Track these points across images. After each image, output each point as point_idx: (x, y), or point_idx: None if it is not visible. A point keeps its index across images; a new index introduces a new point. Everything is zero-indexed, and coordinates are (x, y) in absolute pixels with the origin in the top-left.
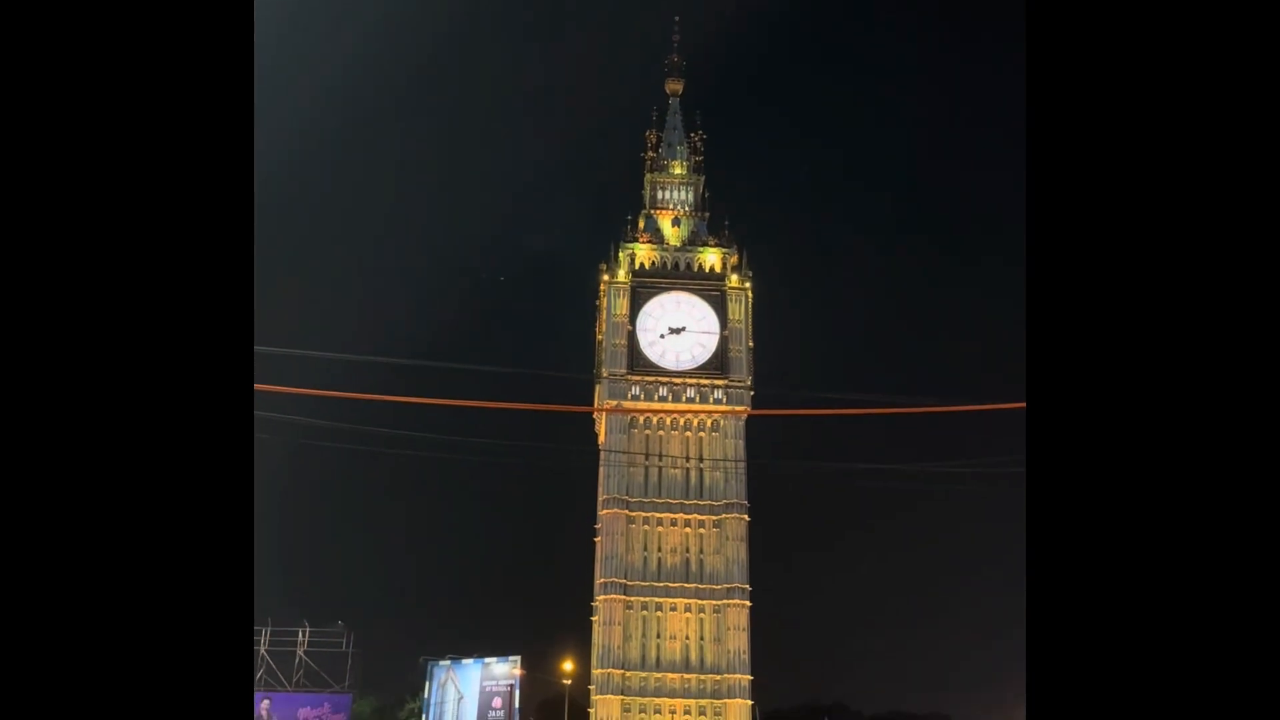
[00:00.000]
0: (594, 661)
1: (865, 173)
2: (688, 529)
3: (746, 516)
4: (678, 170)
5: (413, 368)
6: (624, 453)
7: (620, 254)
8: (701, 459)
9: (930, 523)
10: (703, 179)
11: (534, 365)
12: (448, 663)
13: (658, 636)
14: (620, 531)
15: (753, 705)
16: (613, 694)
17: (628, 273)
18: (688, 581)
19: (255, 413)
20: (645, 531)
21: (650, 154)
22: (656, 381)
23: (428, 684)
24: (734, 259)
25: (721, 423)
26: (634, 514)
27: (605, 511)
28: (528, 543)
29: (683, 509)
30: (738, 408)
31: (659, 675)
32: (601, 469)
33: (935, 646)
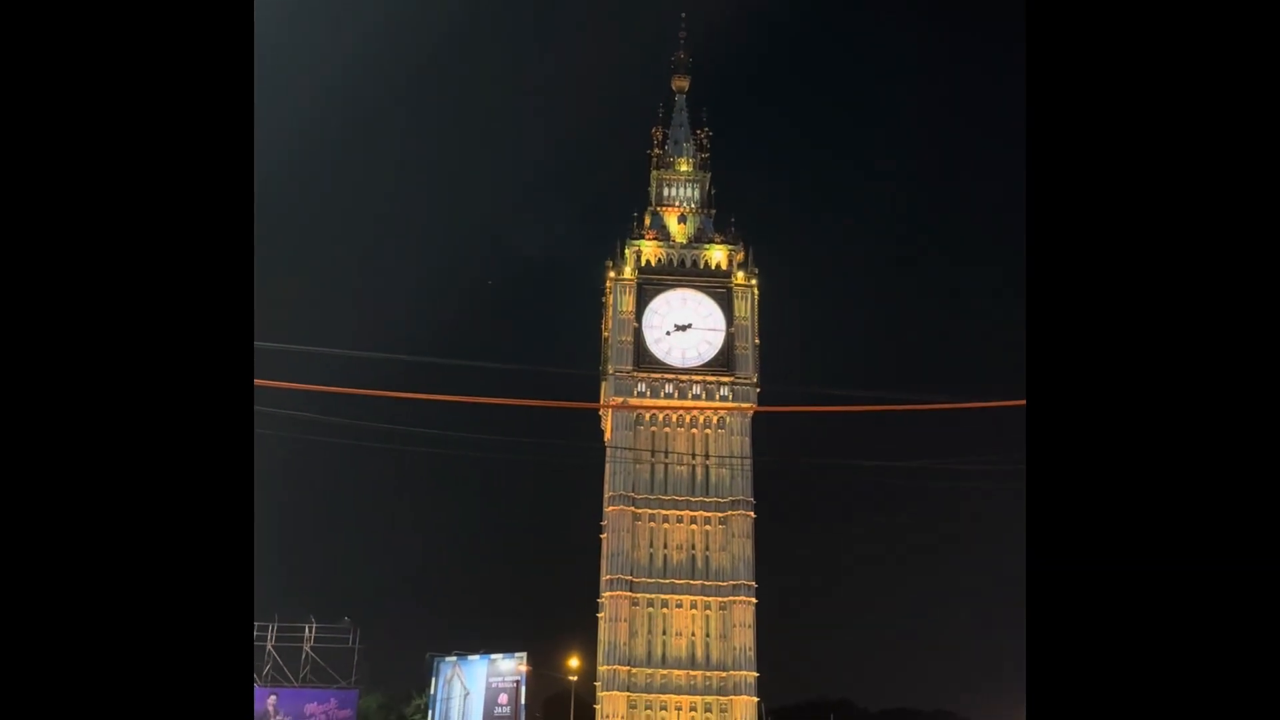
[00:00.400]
0: (600, 658)
1: (871, 169)
2: (694, 526)
3: (752, 513)
4: (684, 167)
5: (420, 365)
6: (630, 449)
7: (626, 251)
8: (707, 456)
9: (936, 519)
10: (709, 176)
11: (540, 362)
12: (454, 659)
13: (664, 633)
14: (626, 528)
15: (759, 702)
16: (619, 690)
17: (634, 269)
18: (694, 578)
19: (266, 409)
20: (651, 528)
21: (656, 151)
22: (662, 378)
23: (434, 680)
24: (740, 256)
25: (727, 420)
26: (640, 511)
27: (611, 508)
28: (534, 539)
29: (689, 506)
30: (744, 405)
31: (665, 672)
32: (607, 466)
33: (941, 643)
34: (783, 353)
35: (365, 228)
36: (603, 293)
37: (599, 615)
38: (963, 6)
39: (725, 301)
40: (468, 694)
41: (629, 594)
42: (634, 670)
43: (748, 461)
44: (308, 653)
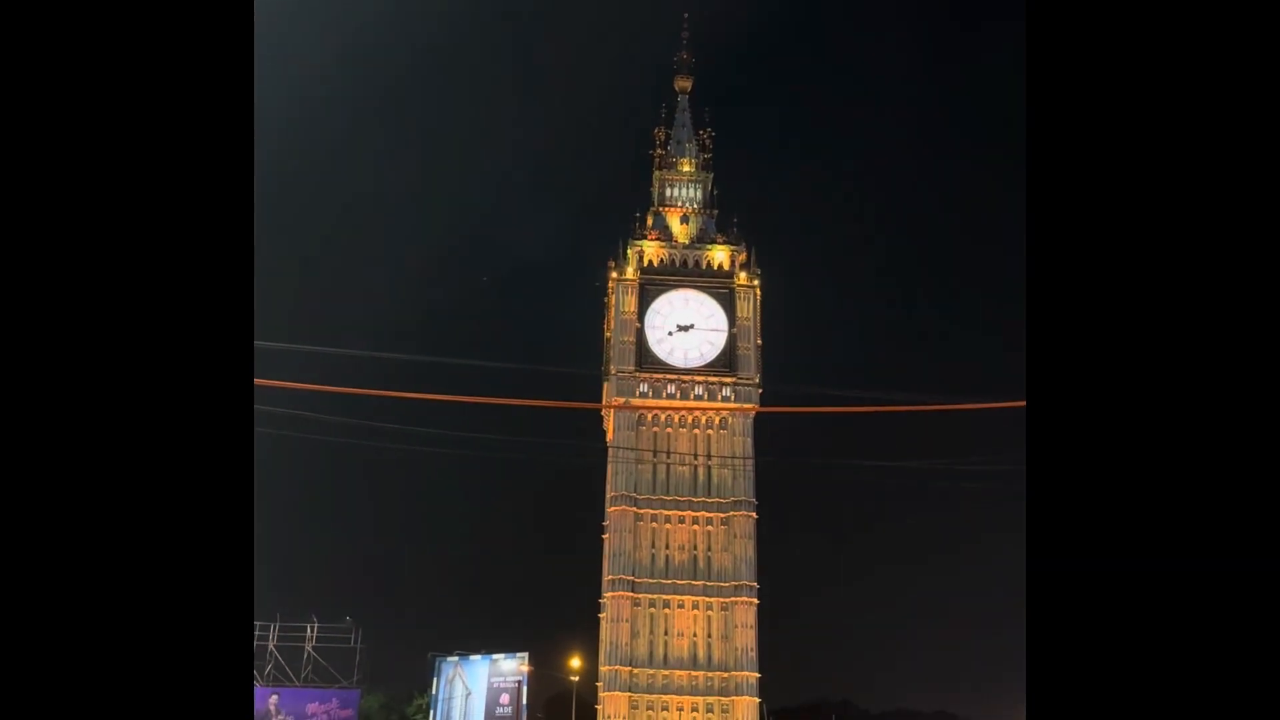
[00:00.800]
0: (602, 658)
1: (873, 170)
2: (695, 526)
3: (754, 514)
4: (686, 168)
5: (423, 364)
6: (632, 450)
7: (628, 251)
8: (709, 456)
9: (938, 520)
10: (711, 176)
11: (543, 363)
12: (456, 659)
13: (665, 634)
14: (628, 528)
15: (760, 703)
16: (620, 691)
17: (636, 270)
18: (695, 579)
19: (267, 408)
20: (653, 529)
21: (659, 151)
22: (665, 379)
23: (435, 680)
24: (742, 256)
25: (729, 420)
26: (642, 511)
27: (613, 509)
28: (536, 539)
29: (690, 506)
30: (746, 405)
31: (667, 672)
32: (610, 466)
33: (942, 644)
34: (785, 353)
35: (368, 228)
36: (605, 293)
37: (601, 615)
38: (963, 8)
39: (727, 302)
40: (469, 694)
41: (631, 594)
42: (635, 670)
43: (749, 462)
44: (309, 652)
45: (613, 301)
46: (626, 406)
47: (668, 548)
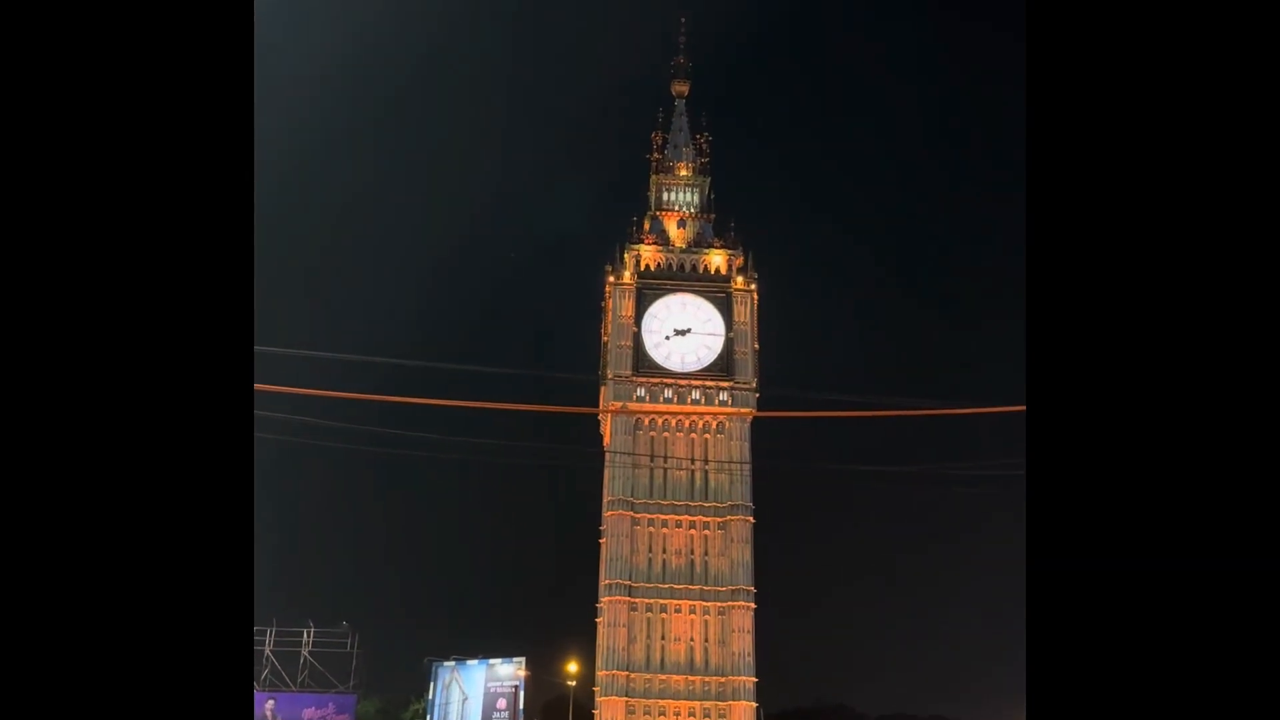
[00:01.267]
0: (599, 663)
1: (870, 174)
2: (692, 531)
3: (751, 518)
4: (683, 172)
5: (420, 369)
6: (629, 454)
7: (626, 256)
8: (706, 461)
9: (935, 524)
10: (708, 181)
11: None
12: (452, 663)
13: (662, 638)
14: (625, 533)
15: (757, 707)
16: (617, 695)
17: (633, 274)
18: (692, 583)
19: (263, 413)
20: (650, 533)
21: (656, 156)
22: (662, 383)
23: (432, 685)
24: (739, 261)
25: (727, 424)
26: (639, 516)
27: (610, 513)
28: (533, 544)
29: (687, 511)
30: (743, 409)
31: (663, 677)
32: (606, 470)
33: (939, 649)
34: (781, 358)
35: (366, 233)
36: (602, 297)
37: (598, 620)
38: (962, 12)
39: (724, 306)
40: (466, 699)
41: (628, 599)
42: (633, 675)
43: (747, 466)
44: (306, 657)
45: (610, 306)
46: (623, 411)
47: (665, 552)
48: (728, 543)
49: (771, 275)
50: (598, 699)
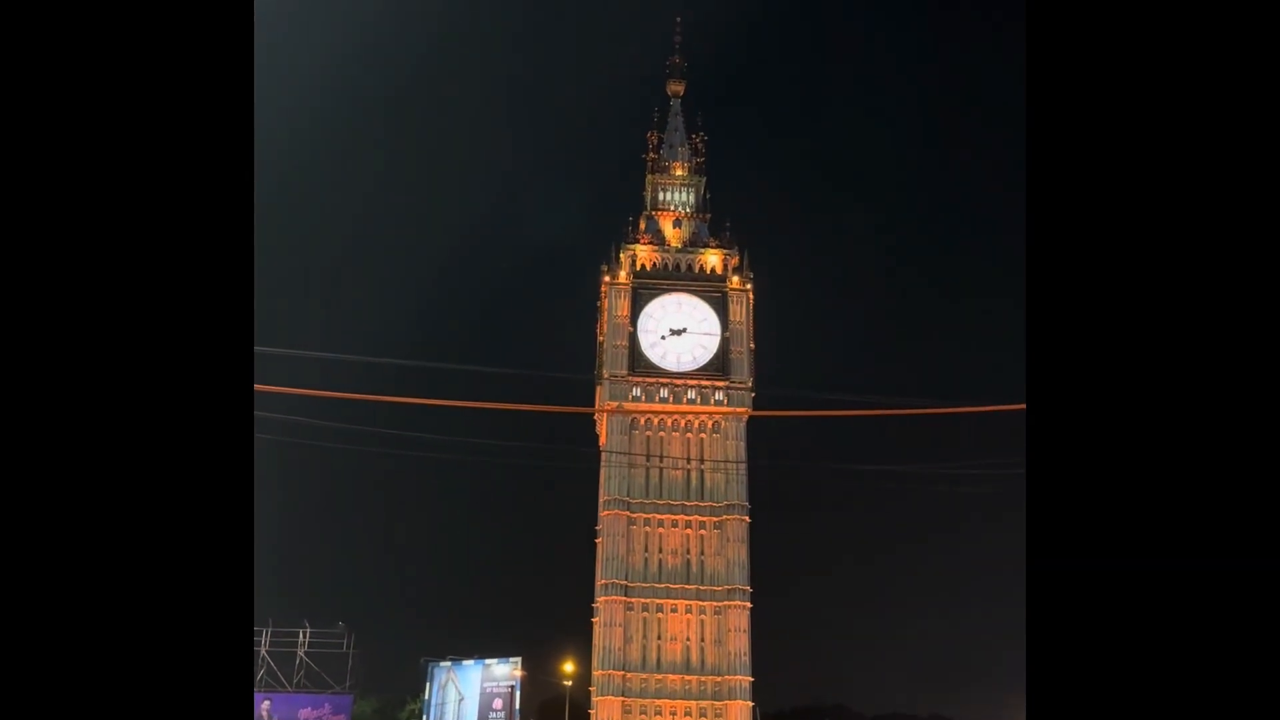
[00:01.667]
0: (595, 663)
1: (866, 173)
2: (688, 530)
3: (747, 518)
4: (679, 171)
5: (415, 369)
6: (625, 454)
7: (621, 255)
8: (702, 460)
9: (931, 524)
10: (704, 180)
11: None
12: (448, 664)
13: (658, 638)
14: (621, 533)
15: (754, 707)
16: (613, 695)
17: (629, 274)
18: (688, 583)
19: (259, 413)
20: (646, 533)
21: (651, 155)
22: (657, 383)
23: (428, 685)
24: (735, 260)
25: (722, 424)
26: (635, 515)
27: (606, 513)
28: (529, 544)
29: (684, 510)
30: (739, 409)
31: (660, 677)
32: (602, 470)
33: (936, 648)
34: (777, 357)
35: (363, 235)
36: (598, 297)
37: (594, 620)
38: (959, 11)
39: (720, 306)
40: (462, 699)
41: (624, 599)
42: (629, 675)
43: (743, 466)
44: (302, 657)
45: (605, 306)
46: (619, 411)
47: (661, 552)
48: (724, 542)
49: (767, 275)
50: (594, 699)
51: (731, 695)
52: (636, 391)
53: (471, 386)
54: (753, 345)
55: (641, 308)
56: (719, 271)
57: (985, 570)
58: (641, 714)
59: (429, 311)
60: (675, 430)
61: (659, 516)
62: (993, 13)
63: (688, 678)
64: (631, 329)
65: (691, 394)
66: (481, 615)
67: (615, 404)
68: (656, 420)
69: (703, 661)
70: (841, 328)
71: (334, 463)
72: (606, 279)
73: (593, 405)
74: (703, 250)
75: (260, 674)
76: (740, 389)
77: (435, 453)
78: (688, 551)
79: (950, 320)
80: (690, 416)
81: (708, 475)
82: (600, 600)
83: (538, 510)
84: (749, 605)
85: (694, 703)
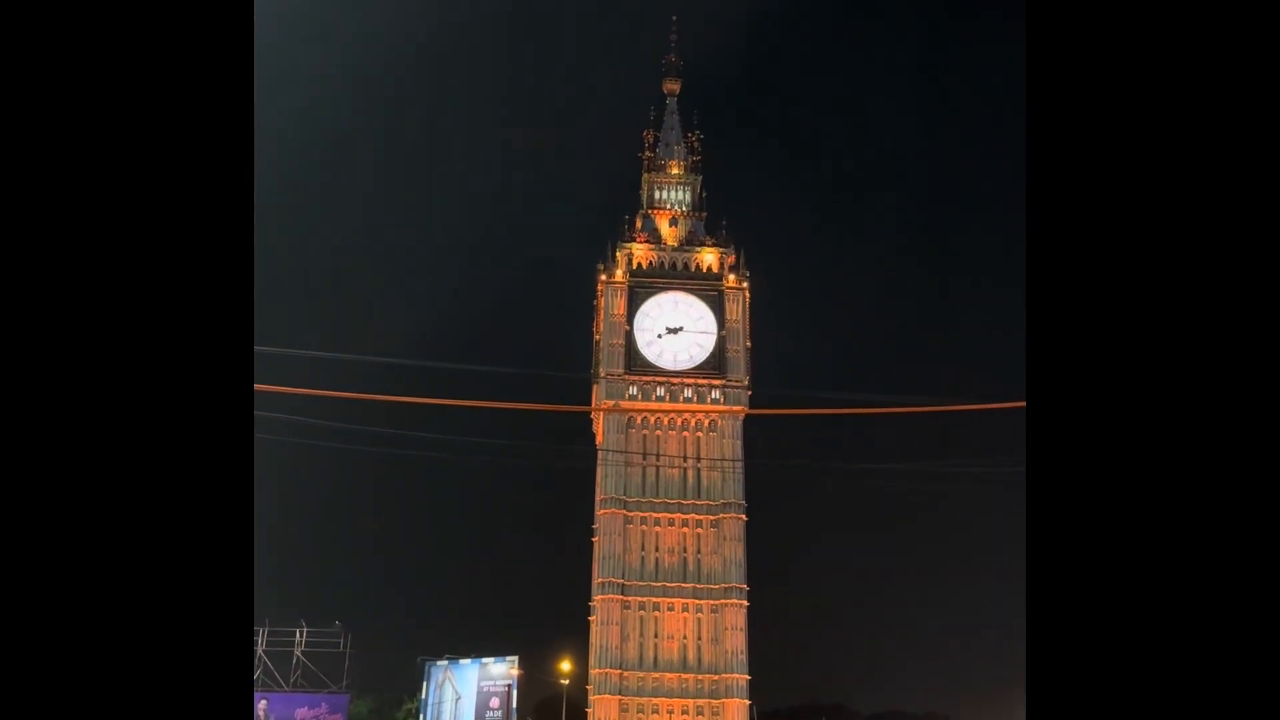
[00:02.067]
0: (592, 661)
1: (863, 171)
2: (685, 529)
3: (744, 516)
4: (675, 170)
5: (411, 368)
6: (621, 452)
7: (618, 254)
8: (699, 459)
9: (928, 522)
10: (700, 179)
11: (532, 365)
12: (445, 663)
13: (655, 636)
14: (618, 531)
15: (750, 705)
16: (610, 694)
17: (625, 273)
18: (685, 581)
19: (257, 412)
20: (643, 531)
21: (647, 154)
22: (654, 381)
23: (425, 684)
24: (731, 259)
25: (719, 422)
26: (632, 514)
27: (603, 511)
28: (526, 543)
29: (680, 509)
30: (735, 407)
31: (657, 675)
32: (599, 469)
33: (933, 646)
34: (774, 355)
35: (361, 235)
36: (594, 296)
37: (590, 619)
38: (958, 8)
39: (716, 304)
40: (459, 698)
41: (621, 597)
42: (625, 674)
43: (739, 464)
44: (298, 657)
45: (602, 304)
46: (616, 409)
47: (657, 550)
48: (720, 540)
49: (763, 273)
50: (591, 697)
51: (728, 693)
52: (633, 390)
53: (468, 385)
54: (749, 343)
55: (638, 306)
56: (715, 270)
57: (983, 570)
58: (639, 712)
59: (426, 311)
60: (672, 429)
61: (656, 515)
62: (993, 11)
63: (685, 676)
64: (628, 327)
65: (688, 392)
66: (478, 614)
67: (612, 403)
68: (653, 419)
69: (700, 660)
70: (838, 325)
71: (330, 462)
72: (603, 278)
73: (589, 404)
74: (699, 249)
75: (257, 673)
76: (736, 387)
77: (431, 452)
78: (684, 550)
79: (948, 318)
80: (687, 415)
81: (704, 473)
82: (597, 599)
83: (534, 509)
84: (746, 603)
85: (691, 701)
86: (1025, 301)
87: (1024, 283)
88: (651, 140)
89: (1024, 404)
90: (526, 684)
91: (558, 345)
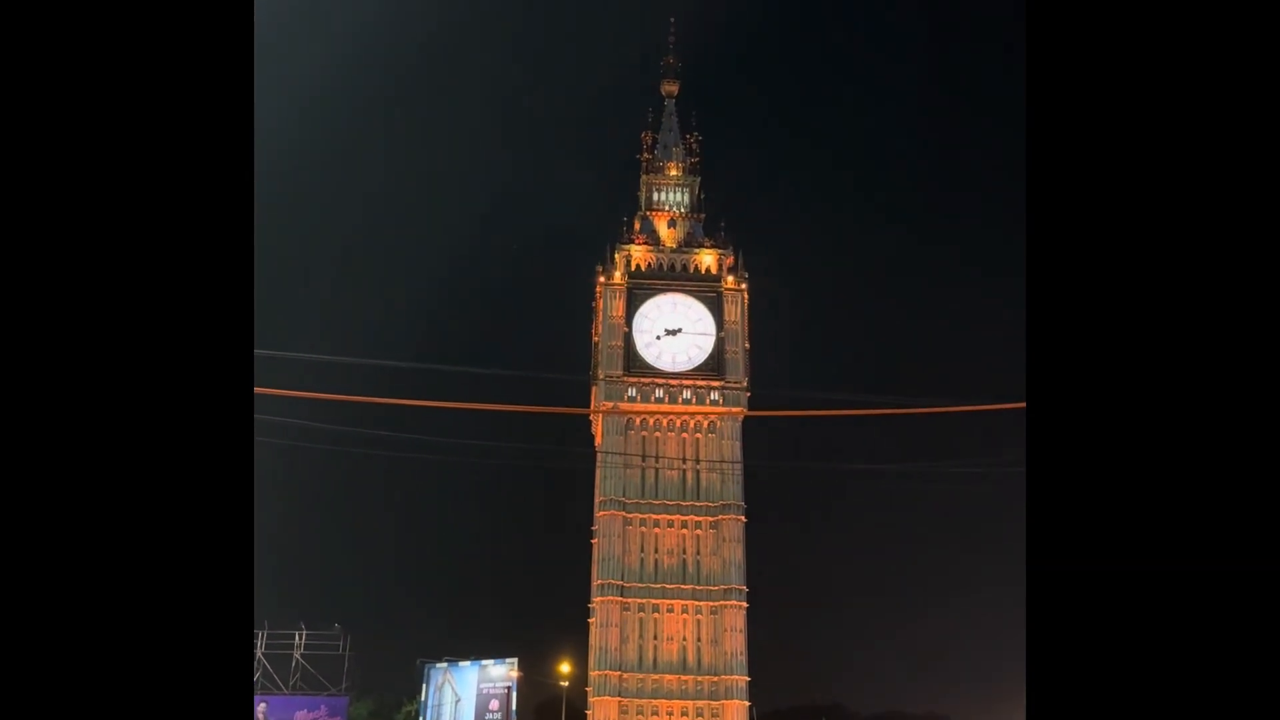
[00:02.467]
0: (591, 663)
1: (862, 173)
2: (684, 530)
3: (743, 517)
4: (673, 172)
5: (411, 370)
6: (621, 454)
7: (616, 256)
8: (698, 460)
9: (927, 523)
10: (698, 180)
11: (531, 367)
12: (444, 665)
13: (655, 638)
14: (617, 533)
15: (750, 706)
16: (610, 696)
17: (624, 274)
18: (684, 583)
19: (258, 416)
20: (642, 533)
21: (646, 156)
22: (653, 383)
23: (425, 686)
24: (730, 260)
25: (718, 424)
26: (631, 515)
27: (602, 513)
28: (525, 545)
29: (679, 510)
30: (734, 409)
31: (656, 677)
32: (598, 470)
33: (933, 647)
34: (773, 357)
35: (358, 238)
36: (593, 297)
37: (590, 620)
38: (956, 11)
39: (715, 306)
40: (459, 700)
41: (620, 599)
42: (625, 675)
43: (738, 466)
44: (298, 659)
45: (601, 306)
46: (615, 411)
47: (656, 552)
48: (719, 542)
49: (762, 274)
50: (590, 699)
51: (728, 695)
52: (632, 392)
53: (467, 387)
54: (748, 345)
55: (636, 308)
56: (714, 271)
57: (983, 570)
58: (638, 714)
59: (425, 312)
60: (671, 430)
61: (655, 517)
62: (993, 12)
63: (684, 678)
64: (627, 329)
65: (687, 394)
66: (478, 616)
67: (611, 404)
68: (652, 420)
69: (699, 661)
70: (837, 327)
71: (329, 464)
72: (601, 279)
73: (588, 406)
74: (697, 250)
75: (256, 676)
76: (735, 389)
77: (430, 454)
78: (684, 551)
79: (948, 319)
80: (686, 416)
81: (703, 475)
82: (596, 601)
83: (533, 511)
84: (745, 605)
85: (690, 703)
86: (1025, 302)
87: (1024, 283)
88: (650, 142)
89: (1024, 404)
90: (526, 686)
91: (557, 347)
